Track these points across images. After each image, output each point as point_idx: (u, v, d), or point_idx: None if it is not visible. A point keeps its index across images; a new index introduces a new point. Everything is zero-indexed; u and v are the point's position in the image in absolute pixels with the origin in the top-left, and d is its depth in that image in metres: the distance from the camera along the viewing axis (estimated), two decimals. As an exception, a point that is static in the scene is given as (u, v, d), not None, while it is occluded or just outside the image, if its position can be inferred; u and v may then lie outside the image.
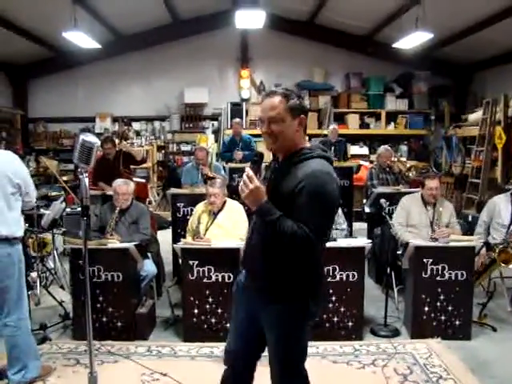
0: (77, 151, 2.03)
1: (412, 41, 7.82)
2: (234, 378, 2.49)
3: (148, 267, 4.42)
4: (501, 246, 4.42)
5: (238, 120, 7.89)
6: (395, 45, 8.40)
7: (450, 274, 3.99)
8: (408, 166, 6.84)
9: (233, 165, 7.04)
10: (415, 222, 4.67)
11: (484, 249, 4.71)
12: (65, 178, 9.19)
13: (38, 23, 8.39)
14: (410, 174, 6.50)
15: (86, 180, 2.06)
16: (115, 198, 4.59)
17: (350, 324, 4.01)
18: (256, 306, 2.26)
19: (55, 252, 5.48)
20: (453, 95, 10.72)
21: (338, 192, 2.10)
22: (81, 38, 7.97)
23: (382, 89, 10.62)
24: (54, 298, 4.60)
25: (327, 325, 3.99)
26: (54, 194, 8.95)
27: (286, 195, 2.07)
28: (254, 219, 2.30)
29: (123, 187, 4.58)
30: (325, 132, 8.48)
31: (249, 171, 2.05)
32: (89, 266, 2.59)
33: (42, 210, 5.08)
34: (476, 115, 8.96)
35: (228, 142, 7.68)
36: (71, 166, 10.70)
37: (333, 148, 7.59)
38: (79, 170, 2.05)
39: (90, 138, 2.05)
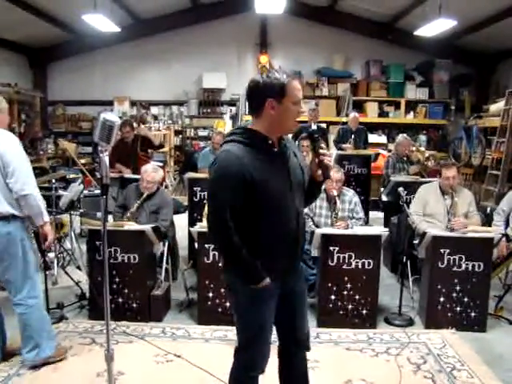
0: (98, 129, 2.02)
1: (435, 28, 7.70)
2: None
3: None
4: (520, 239, 4.35)
5: None
6: (417, 32, 8.28)
7: (467, 264, 3.94)
8: (427, 155, 6.75)
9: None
10: (432, 211, 4.61)
11: (504, 240, 4.63)
12: (83, 161, 9.26)
13: (58, 5, 8.44)
14: (429, 164, 6.43)
15: (107, 159, 2.06)
16: (140, 183, 4.60)
17: (365, 312, 3.99)
18: (288, 286, 2.33)
19: (72, 233, 5.54)
20: (474, 85, 10.57)
21: None
22: (100, 21, 7.99)
23: (402, 77, 10.52)
24: (70, 278, 4.64)
25: (341, 312, 3.98)
26: (71, 176, 9.03)
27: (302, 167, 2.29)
28: (291, 202, 2.18)
29: (151, 174, 4.55)
30: (343, 120, 8.41)
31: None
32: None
33: (60, 192, 5.13)
34: (498, 105, 8.80)
35: None
36: (89, 149, 10.81)
37: (353, 136, 7.51)
38: (99, 148, 2.05)
39: (111, 116, 2.04)
